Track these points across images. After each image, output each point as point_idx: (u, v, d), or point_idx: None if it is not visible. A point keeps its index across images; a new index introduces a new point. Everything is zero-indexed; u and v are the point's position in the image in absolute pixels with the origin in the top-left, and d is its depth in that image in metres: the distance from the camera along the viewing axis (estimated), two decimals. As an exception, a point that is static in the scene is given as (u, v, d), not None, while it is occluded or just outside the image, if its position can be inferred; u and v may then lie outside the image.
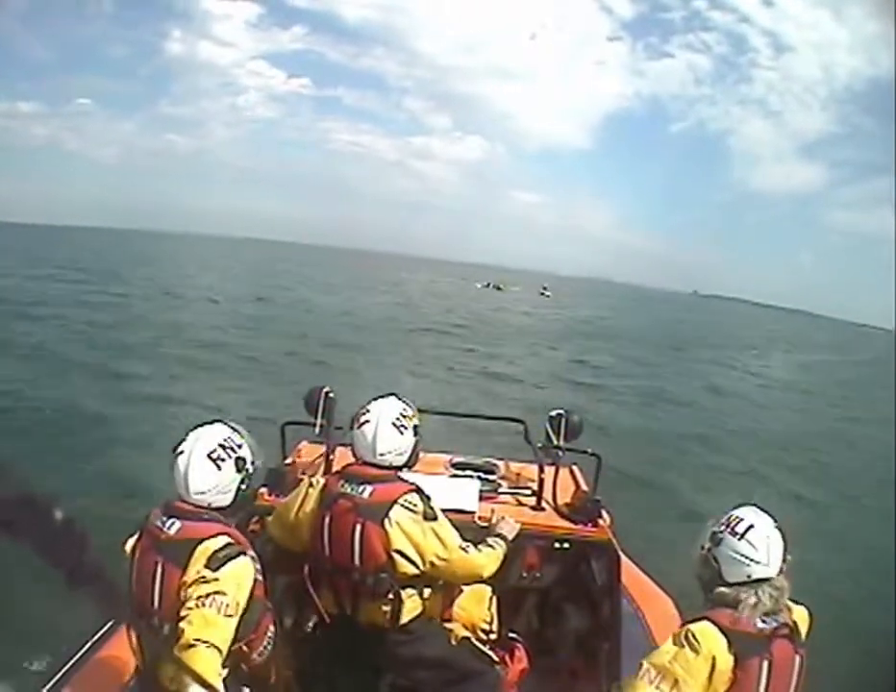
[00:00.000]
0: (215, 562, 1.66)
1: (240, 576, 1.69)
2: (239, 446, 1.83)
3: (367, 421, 2.13)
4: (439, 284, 59.92)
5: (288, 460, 2.85)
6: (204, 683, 1.53)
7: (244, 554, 1.73)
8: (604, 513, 2.66)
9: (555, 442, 2.79)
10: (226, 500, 1.80)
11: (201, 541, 1.69)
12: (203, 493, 1.76)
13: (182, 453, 1.78)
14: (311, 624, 2.31)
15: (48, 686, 2.03)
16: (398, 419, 2.14)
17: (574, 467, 3.15)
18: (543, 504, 2.69)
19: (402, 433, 2.13)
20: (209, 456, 1.77)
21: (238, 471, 1.81)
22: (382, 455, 2.11)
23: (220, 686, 1.56)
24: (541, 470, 2.71)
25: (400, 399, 2.23)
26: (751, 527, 1.75)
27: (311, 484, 2.20)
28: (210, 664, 1.56)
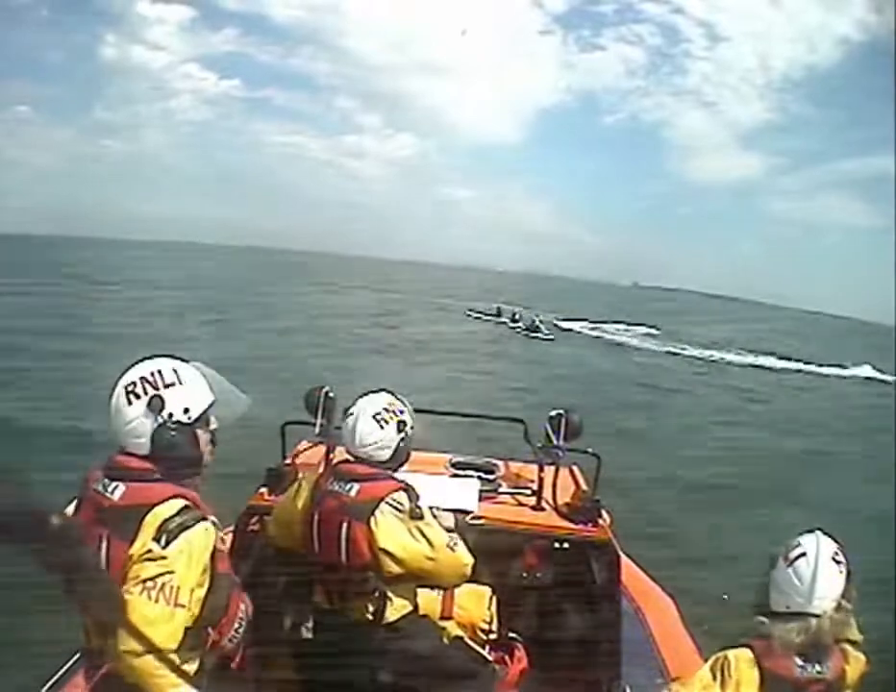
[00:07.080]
0: (166, 535, 1.41)
1: (195, 550, 1.44)
2: (171, 384, 1.54)
3: (351, 414, 2.15)
4: (397, 301, 37.97)
5: (288, 460, 2.85)
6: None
7: (204, 519, 1.48)
8: (604, 513, 2.65)
9: (555, 442, 2.79)
10: (144, 445, 1.51)
11: (151, 508, 1.43)
12: (124, 432, 1.50)
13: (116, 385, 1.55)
14: (309, 624, 2.31)
15: (47, 686, 2.03)
16: (380, 413, 2.13)
17: (574, 467, 3.15)
18: (543, 504, 2.69)
19: (382, 427, 2.11)
20: (125, 388, 1.52)
21: (152, 409, 1.50)
22: (362, 447, 2.11)
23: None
24: (541, 470, 2.70)
25: (392, 395, 2.22)
26: (802, 555, 1.62)
27: (302, 482, 2.21)
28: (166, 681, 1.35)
